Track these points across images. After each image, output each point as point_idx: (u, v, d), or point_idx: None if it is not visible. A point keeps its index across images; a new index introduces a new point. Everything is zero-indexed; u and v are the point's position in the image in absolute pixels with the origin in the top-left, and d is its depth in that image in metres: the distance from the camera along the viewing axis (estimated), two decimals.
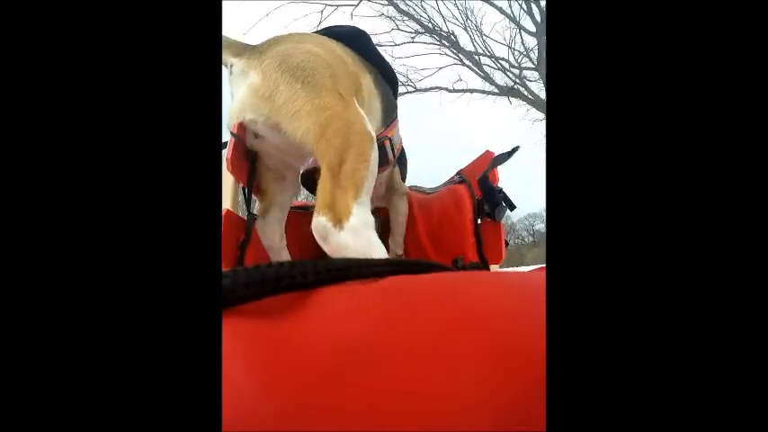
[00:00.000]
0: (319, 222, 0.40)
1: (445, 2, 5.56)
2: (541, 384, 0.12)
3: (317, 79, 0.42)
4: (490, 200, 0.66)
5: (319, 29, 0.67)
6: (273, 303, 0.18)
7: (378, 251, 0.41)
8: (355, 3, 5.04)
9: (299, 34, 0.51)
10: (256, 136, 0.48)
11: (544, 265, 0.23)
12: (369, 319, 0.17)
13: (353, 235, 0.40)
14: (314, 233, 0.41)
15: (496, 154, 0.67)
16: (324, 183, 0.41)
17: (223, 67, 0.49)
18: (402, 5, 5.43)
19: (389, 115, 0.61)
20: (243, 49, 0.48)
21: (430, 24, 5.60)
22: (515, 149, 0.65)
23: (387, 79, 0.66)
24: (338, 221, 0.40)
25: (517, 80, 5.67)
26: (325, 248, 0.41)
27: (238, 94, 0.45)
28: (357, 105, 0.47)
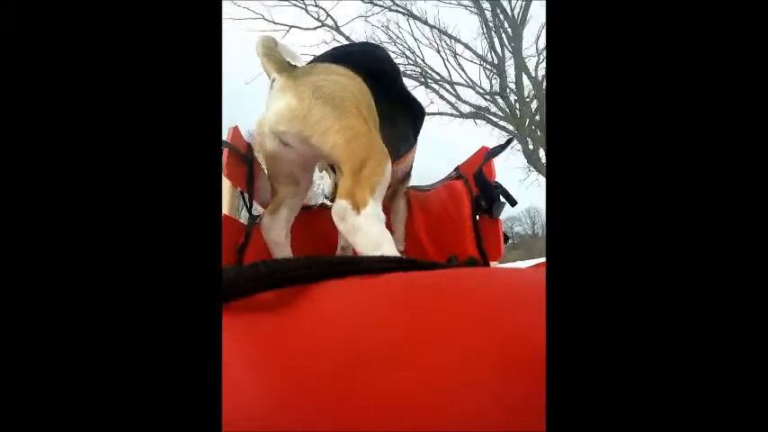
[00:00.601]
0: (340, 205, 0.47)
1: (419, 26, 5.83)
2: (541, 385, 0.12)
3: (344, 105, 0.51)
4: (487, 195, 0.67)
5: (336, 47, 0.70)
6: (273, 301, 0.18)
7: (387, 242, 0.47)
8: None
9: (325, 67, 0.58)
10: (285, 144, 0.54)
11: (543, 260, 0.23)
12: (369, 316, 0.17)
13: (368, 221, 0.46)
14: (333, 215, 0.47)
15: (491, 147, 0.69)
16: (345, 180, 0.48)
17: (267, 77, 0.56)
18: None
19: (402, 146, 0.67)
20: (285, 68, 0.54)
21: (404, 59, 5.84)
22: (510, 141, 0.68)
23: (409, 111, 0.72)
24: (356, 207, 0.47)
25: (488, 97, 5.92)
26: (341, 228, 0.47)
27: (275, 107, 0.52)
28: (376, 131, 0.55)
